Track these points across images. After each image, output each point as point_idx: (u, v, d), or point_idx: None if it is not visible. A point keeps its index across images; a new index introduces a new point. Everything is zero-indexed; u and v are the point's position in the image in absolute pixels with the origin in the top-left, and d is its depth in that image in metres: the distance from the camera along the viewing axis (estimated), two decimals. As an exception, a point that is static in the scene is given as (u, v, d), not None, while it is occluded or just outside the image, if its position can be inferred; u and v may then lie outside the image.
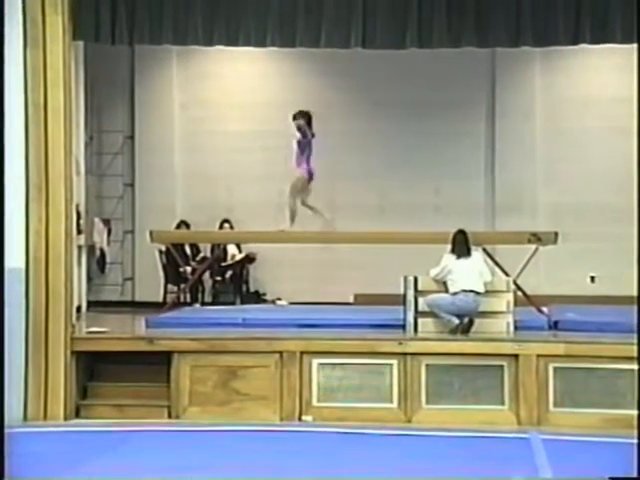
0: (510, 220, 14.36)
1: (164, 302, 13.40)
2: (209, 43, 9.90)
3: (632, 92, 13.32)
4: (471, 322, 9.50)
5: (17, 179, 9.07)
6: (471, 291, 9.55)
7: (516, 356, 9.06)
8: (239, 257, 14.77)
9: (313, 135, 11.10)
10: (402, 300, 9.82)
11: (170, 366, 9.29)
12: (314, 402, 9.21)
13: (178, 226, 14.45)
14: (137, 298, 15.18)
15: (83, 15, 9.53)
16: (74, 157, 10.10)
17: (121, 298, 15.21)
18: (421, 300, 9.72)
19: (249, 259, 14.91)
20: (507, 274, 10.50)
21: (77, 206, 11.91)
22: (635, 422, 8.36)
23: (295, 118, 11.04)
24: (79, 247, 12.85)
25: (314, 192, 15.04)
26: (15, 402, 8.91)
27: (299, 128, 11.00)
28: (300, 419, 9.15)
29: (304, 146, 11.15)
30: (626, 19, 9.39)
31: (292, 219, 11.43)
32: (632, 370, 8.79)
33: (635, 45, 9.34)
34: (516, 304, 9.94)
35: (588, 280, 14.69)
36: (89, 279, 14.45)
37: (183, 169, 15.27)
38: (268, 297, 14.97)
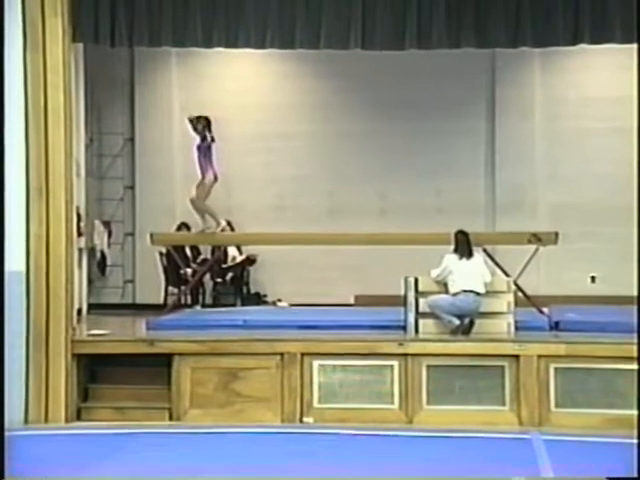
0: (510, 220, 14.37)
1: (165, 304, 13.39)
2: (208, 45, 9.90)
3: (632, 92, 13.38)
4: (472, 323, 9.49)
5: (17, 182, 9.08)
6: (471, 291, 9.54)
7: (517, 357, 9.05)
8: (240, 259, 14.77)
9: (213, 139, 11.25)
10: (403, 301, 9.82)
11: (171, 368, 9.29)
12: (315, 403, 9.20)
13: (179, 228, 14.44)
14: (138, 300, 15.19)
15: (82, 17, 9.54)
16: (74, 159, 10.10)
17: (122, 300, 15.22)
18: (422, 301, 9.72)
19: (250, 261, 14.91)
20: (507, 274, 10.50)
21: (77, 208, 11.90)
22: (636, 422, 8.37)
23: (192, 122, 11.30)
24: (79, 250, 12.84)
25: (313, 193, 15.15)
26: (16, 405, 8.90)
27: (195, 130, 11.24)
28: (301, 421, 9.15)
29: (205, 150, 11.28)
30: (625, 19, 9.38)
31: (217, 218, 11.67)
32: (633, 370, 8.77)
33: (635, 45, 9.34)
34: (517, 305, 9.94)
35: (588, 280, 14.69)
36: (90, 282, 14.45)
37: (183, 171, 15.23)
38: (269, 299, 14.98)
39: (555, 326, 10.02)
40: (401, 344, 9.20)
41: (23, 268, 9.11)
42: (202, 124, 11.26)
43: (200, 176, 11.41)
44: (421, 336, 9.57)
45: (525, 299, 10.93)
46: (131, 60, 15.19)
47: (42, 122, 9.18)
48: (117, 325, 11.32)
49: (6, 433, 6.25)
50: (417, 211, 14.61)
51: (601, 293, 13.93)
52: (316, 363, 9.22)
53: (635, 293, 12.24)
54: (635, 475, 6.24)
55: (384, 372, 9.17)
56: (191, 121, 11.37)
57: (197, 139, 11.36)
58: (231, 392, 9.24)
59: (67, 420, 9.15)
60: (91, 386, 9.60)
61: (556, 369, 9.02)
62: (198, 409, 9.25)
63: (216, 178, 11.38)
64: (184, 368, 9.27)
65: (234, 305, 14.28)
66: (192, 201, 11.65)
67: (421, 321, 9.72)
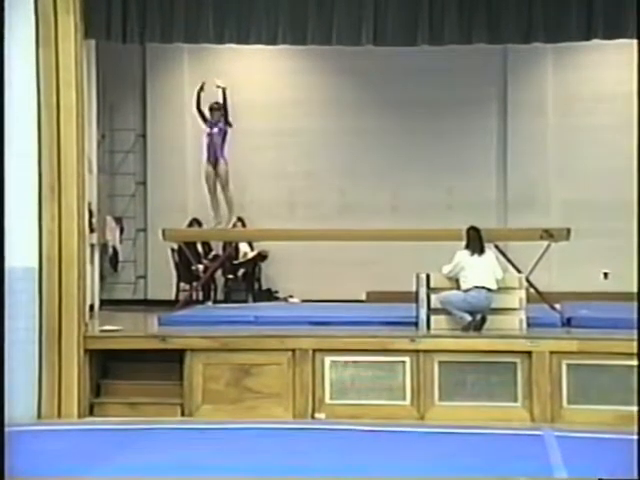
0: (522, 217, 14.33)
1: (176, 300, 13.41)
2: (220, 41, 9.91)
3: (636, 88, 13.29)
4: (484, 319, 9.48)
5: (30, 178, 9.11)
6: (483, 288, 9.53)
7: (529, 353, 9.04)
8: (251, 255, 14.78)
9: (230, 124, 11.70)
10: (414, 297, 9.82)
11: (183, 364, 9.31)
12: (327, 400, 9.21)
13: (190, 224, 14.45)
14: (150, 296, 15.21)
15: (94, 14, 9.56)
16: (86, 156, 10.13)
17: (134, 296, 15.25)
18: (433, 297, 9.72)
19: (261, 257, 14.92)
20: (519, 271, 10.49)
21: (89, 204, 11.93)
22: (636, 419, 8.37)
23: (212, 109, 11.66)
24: (91, 245, 12.86)
25: (325, 190, 15.16)
26: (29, 400, 8.94)
27: (215, 116, 11.62)
28: (313, 417, 9.16)
29: (223, 135, 11.59)
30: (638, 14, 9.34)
31: (232, 214, 12.08)
32: (645, 366, 8.78)
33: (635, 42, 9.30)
34: (528, 301, 9.93)
35: (601, 276, 14.65)
36: (102, 277, 14.48)
37: (195, 167, 15.23)
38: (280, 295, 14.99)
39: (567, 322, 10.01)
40: (413, 340, 9.20)
41: (36, 264, 9.14)
42: (221, 112, 11.56)
43: (212, 162, 11.56)
44: (433, 332, 9.57)
45: (537, 295, 10.91)
46: (143, 57, 15.21)
47: (54, 119, 9.20)
48: (129, 321, 11.34)
49: (19, 428, 6.27)
50: (429, 207, 14.59)
51: (613, 289, 13.88)
52: (328, 359, 9.22)
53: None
54: (635, 476, 6.20)
55: (396, 368, 9.17)
56: (211, 108, 11.67)
57: (208, 126, 11.67)
58: (243, 388, 9.25)
59: (80, 415, 9.18)
60: (103, 382, 9.63)
61: (568, 365, 9.01)
62: (210, 405, 9.26)
63: (226, 164, 11.58)
64: (196, 364, 9.28)
65: (246, 301, 14.29)
66: (223, 192, 11.78)
67: (433, 317, 9.71)
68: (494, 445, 8.07)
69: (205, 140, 11.87)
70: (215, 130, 11.74)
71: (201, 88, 11.79)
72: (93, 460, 7.21)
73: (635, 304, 11.27)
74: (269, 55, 14.42)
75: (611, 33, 9.63)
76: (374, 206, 14.80)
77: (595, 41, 10.02)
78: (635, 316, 9.86)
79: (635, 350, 8.83)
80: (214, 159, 11.75)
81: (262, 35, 9.76)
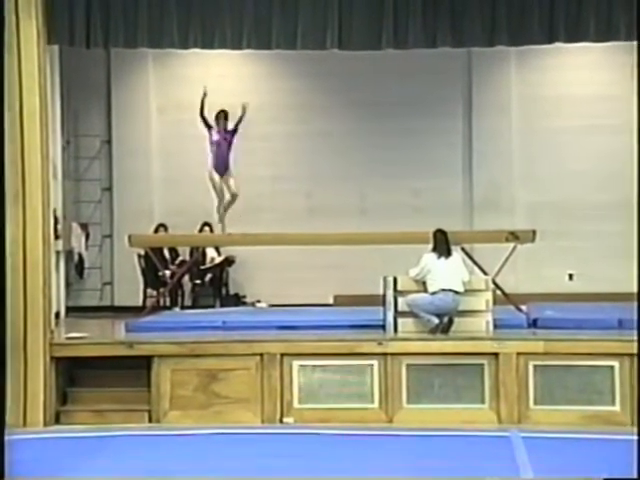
0: (488, 218, 14.41)
1: (144, 306, 13.35)
2: (185, 46, 9.87)
3: (608, 90, 13.49)
4: (451, 321, 9.52)
5: (-7, 185, 9.03)
6: (450, 290, 9.56)
7: (496, 354, 9.08)
8: (218, 260, 14.75)
9: (237, 131, 11.65)
10: (382, 300, 9.83)
11: (150, 370, 9.26)
12: (295, 404, 9.20)
13: (156, 229, 14.39)
14: (116, 303, 15.13)
15: (57, 19, 9.49)
16: (51, 162, 10.06)
17: (100, 303, 15.16)
18: (401, 300, 9.73)
19: (228, 262, 14.90)
20: (486, 273, 10.54)
21: (54, 211, 11.84)
22: (623, 418, 8.46)
23: (219, 117, 11.53)
24: (57, 252, 12.78)
25: (292, 194, 15.17)
26: (-6, 409, 8.85)
27: (221, 124, 11.50)
28: (281, 421, 9.15)
29: (229, 144, 11.51)
30: (600, 18, 9.46)
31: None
32: (611, 366, 8.86)
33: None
34: (495, 303, 9.97)
35: (566, 278, 14.77)
36: (68, 284, 14.38)
37: (161, 172, 15.24)
38: (248, 299, 14.97)
39: (533, 323, 10.07)
40: (380, 343, 9.22)
41: None
42: (227, 121, 11.54)
43: (221, 171, 11.48)
44: (400, 335, 9.58)
45: (503, 297, 10.98)
46: (107, 62, 15.13)
47: (18, 125, 9.12)
48: (96, 328, 11.26)
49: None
50: (396, 210, 14.63)
51: (579, 290, 14.00)
52: (296, 363, 9.22)
53: (617, 290, 12.36)
54: (635, 476, 6.25)
55: (364, 372, 9.17)
56: (218, 117, 11.61)
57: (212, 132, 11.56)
58: (211, 393, 9.22)
59: (46, 424, 9.10)
60: (70, 389, 9.56)
61: (535, 366, 9.06)
62: (178, 411, 9.22)
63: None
64: (164, 370, 9.24)
65: (213, 306, 14.25)
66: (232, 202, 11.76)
67: (400, 320, 9.73)
68: (462, 447, 8.11)
69: (211, 148, 11.59)
70: (221, 138, 11.50)
71: (205, 94, 11.57)
72: (60, 469, 7.17)
73: (601, 304, 11.45)
74: (235, 60, 14.40)
75: (572, 37, 9.71)
76: (342, 209, 14.83)
77: (558, 44, 10.10)
78: (601, 316, 10.00)
79: (602, 350, 8.94)
80: (223, 168, 11.58)
81: (227, 39, 9.75)
